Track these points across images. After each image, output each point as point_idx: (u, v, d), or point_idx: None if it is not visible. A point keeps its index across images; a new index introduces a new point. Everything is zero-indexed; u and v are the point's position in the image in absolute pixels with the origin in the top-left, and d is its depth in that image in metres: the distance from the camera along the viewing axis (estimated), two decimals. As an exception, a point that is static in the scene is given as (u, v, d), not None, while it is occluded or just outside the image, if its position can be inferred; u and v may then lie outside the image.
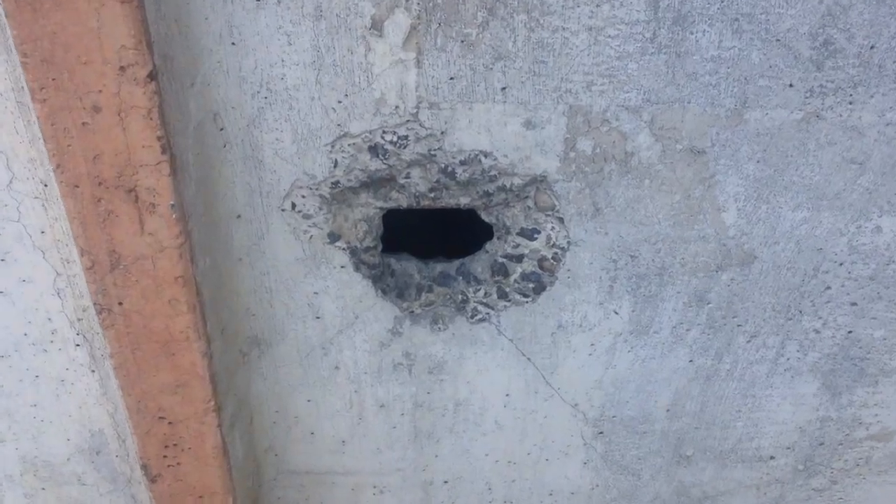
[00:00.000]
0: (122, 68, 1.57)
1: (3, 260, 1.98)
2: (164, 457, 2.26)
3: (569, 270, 2.17)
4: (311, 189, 2.00)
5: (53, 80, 1.58)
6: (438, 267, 2.27)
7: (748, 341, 2.35)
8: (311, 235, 2.09)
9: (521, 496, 2.76)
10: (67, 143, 1.66)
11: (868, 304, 2.27)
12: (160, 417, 2.17)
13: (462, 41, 1.78)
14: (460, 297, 2.25)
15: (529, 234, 2.12)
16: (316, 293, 2.21)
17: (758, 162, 1.97)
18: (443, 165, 1.97)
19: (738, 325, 2.31)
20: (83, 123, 1.64)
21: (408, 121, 1.89)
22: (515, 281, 2.21)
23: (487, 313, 2.27)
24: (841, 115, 1.90)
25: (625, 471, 2.70)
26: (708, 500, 2.80)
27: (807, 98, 1.88)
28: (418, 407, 2.49)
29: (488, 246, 2.23)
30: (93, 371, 2.25)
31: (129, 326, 1.97)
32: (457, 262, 2.28)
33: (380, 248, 2.19)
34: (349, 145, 1.93)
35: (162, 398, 2.13)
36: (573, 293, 2.22)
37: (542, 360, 2.38)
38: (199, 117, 1.83)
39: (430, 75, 1.82)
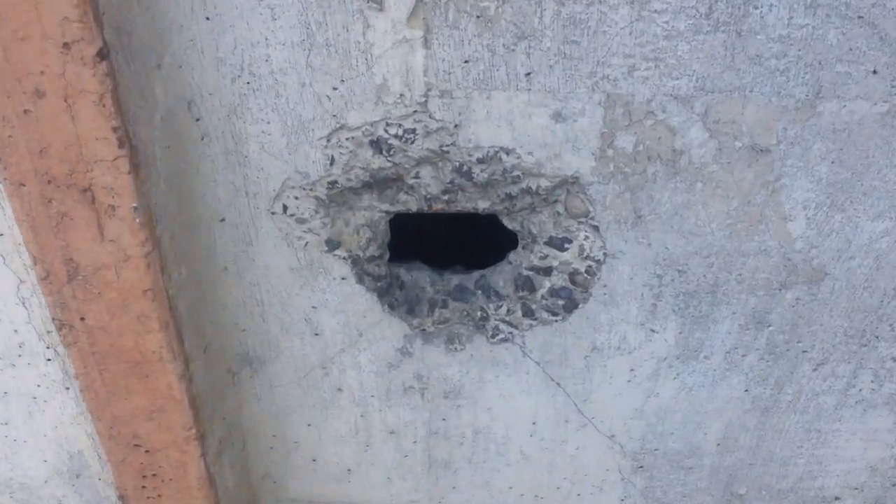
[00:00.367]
0: (65, 45, 1.34)
1: (-48, 266, 1.78)
2: (143, 487, 2.05)
3: (605, 286, 1.91)
4: (304, 189, 1.76)
5: (-15, 60, 1.36)
6: (454, 279, 2.03)
7: (814, 370, 2.07)
8: (307, 242, 1.86)
9: (549, 533, 2.51)
10: (8, 133, 1.44)
11: (959, 330, 1.98)
12: (136, 445, 1.96)
13: (478, 16, 1.52)
14: (479, 313, 2.00)
15: (559, 244, 1.86)
16: (314, 307, 1.97)
17: (832, 163, 1.69)
18: (457, 164, 1.72)
19: (804, 352, 2.03)
20: (25, 111, 1.42)
21: (415, 111, 1.64)
22: (543, 297, 1.95)
23: (510, 333, 2.02)
24: (936, 109, 1.62)
25: (668, 509, 2.44)
26: (762, 544, 2.53)
27: (893, 87, 1.59)
28: (432, 434, 2.25)
29: (512, 256, 1.97)
30: (67, 388, 2.05)
31: (93, 345, 1.76)
32: (476, 274, 2.03)
33: (386, 256, 1.95)
34: (347, 139, 1.69)
35: (136, 424, 1.91)
36: (610, 312, 1.96)
37: (574, 385, 2.12)
38: (168, 105, 1.60)
39: (440, 58, 1.57)
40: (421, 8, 1.51)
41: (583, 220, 1.80)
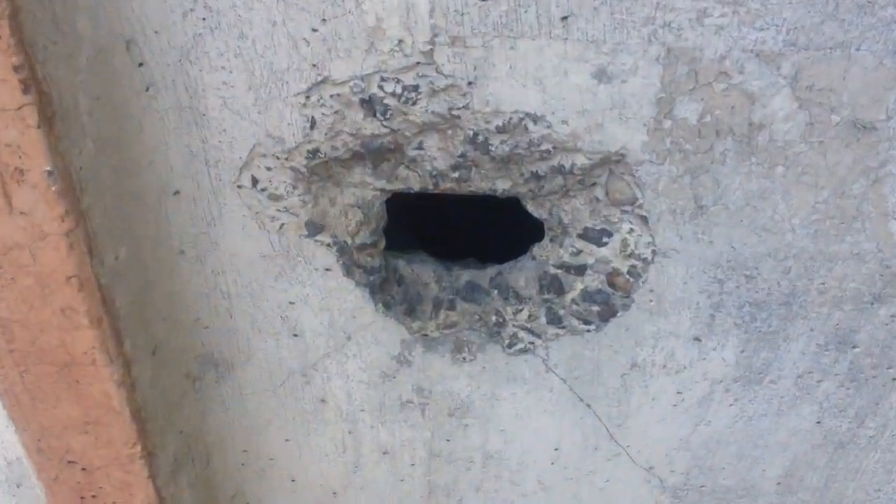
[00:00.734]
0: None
1: None
2: (83, 510, 1.75)
3: (651, 291, 1.57)
4: (278, 158, 1.44)
5: None
6: (465, 275, 1.70)
7: (905, 402, 1.73)
8: (282, 224, 1.54)
9: (570, 573, 2.19)
10: None
11: None
12: (70, 462, 1.66)
13: (502, -63, 1.18)
14: (494, 318, 1.68)
15: (597, 238, 1.53)
16: (291, 303, 1.66)
17: (955, 148, 1.34)
18: (471, 133, 1.39)
19: (894, 379, 1.69)
20: None
21: (417, 63, 1.31)
22: (574, 301, 1.62)
23: (532, 342, 1.69)
24: None
25: (712, 553, 2.11)
26: None
27: None
28: (434, 457, 1.94)
29: (536, 250, 1.64)
30: (-3, 387, 1.75)
31: (11, 342, 1.46)
32: (491, 270, 1.70)
33: (381, 245, 1.63)
34: (332, 97, 1.36)
35: (69, 437, 1.62)
36: (656, 322, 1.63)
37: (607, 407, 1.80)
38: (98, 43, 1.27)
39: (451, -8, 1.24)
40: (426, -77, 1.18)
41: (628, 208, 1.46)
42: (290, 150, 1.43)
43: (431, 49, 1.30)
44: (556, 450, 1.92)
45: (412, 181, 1.51)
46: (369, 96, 1.35)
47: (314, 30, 1.29)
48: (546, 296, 1.64)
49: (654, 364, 1.71)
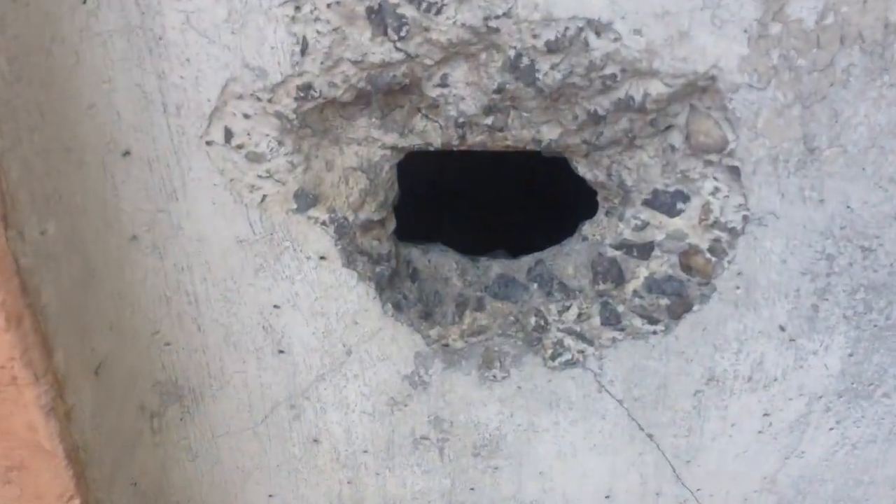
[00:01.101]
0: None
1: None
2: (6, 589, 1.36)
3: (739, 274, 1.25)
4: (259, 100, 1.12)
5: None
6: (496, 266, 1.37)
7: None
8: (265, 196, 1.21)
9: None
10: None
11: None
12: (-14, 522, 1.28)
13: None
14: (534, 320, 1.34)
15: (669, 204, 1.21)
16: (276, 307, 1.32)
17: None
18: (512, 54, 1.08)
19: None
20: None
21: (445, -48, 1.01)
22: (636, 293, 1.29)
23: (581, 351, 1.36)
24: None
25: None
26: None
27: None
28: (456, 512, 1.58)
29: (588, 228, 1.32)
30: None
31: None
32: (529, 259, 1.37)
33: (391, 225, 1.30)
34: (329, 6, 1.05)
35: (-16, 488, 1.24)
36: (743, 318, 1.30)
37: (674, 438, 1.46)
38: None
39: None
40: None
41: (714, 157, 1.15)
42: (274, 87, 1.11)
43: (463, -69, 1.00)
44: (607, 497, 1.56)
45: (431, 135, 1.19)
46: (379, 4, 1.04)
47: None
48: (601, 287, 1.31)
49: (738, 376, 1.37)
